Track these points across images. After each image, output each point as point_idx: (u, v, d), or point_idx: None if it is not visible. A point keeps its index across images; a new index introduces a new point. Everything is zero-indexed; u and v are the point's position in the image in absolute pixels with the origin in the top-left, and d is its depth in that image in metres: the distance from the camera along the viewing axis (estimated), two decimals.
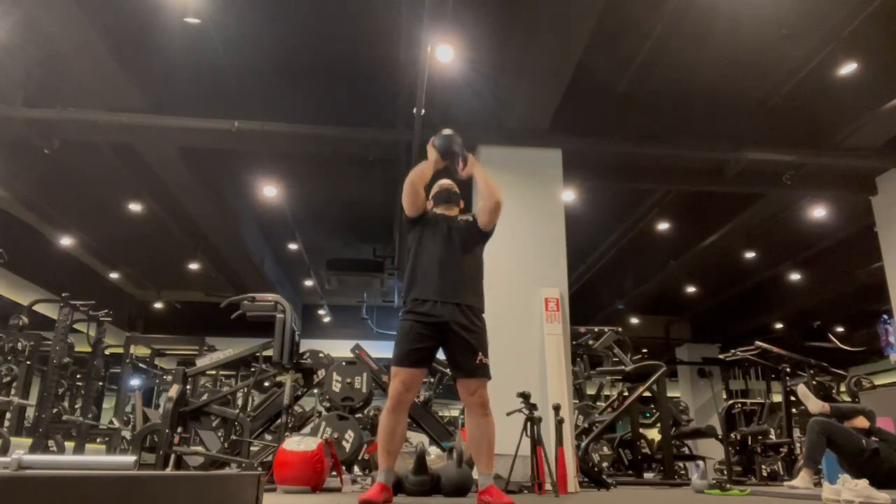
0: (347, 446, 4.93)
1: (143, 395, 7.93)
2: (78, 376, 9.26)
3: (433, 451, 4.30)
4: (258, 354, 5.48)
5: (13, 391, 6.79)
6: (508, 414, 4.15)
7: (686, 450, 8.24)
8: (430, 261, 3.01)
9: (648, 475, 7.36)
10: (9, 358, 7.06)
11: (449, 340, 2.90)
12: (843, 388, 8.30)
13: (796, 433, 7.24)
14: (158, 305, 13.52)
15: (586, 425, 7.19)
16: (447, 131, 3.32)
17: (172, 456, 4.60)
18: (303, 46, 6.01)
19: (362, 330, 12.96)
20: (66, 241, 9.83)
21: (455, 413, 14.04)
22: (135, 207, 8.93)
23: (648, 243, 9.76)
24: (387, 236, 9.65)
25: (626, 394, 7.41)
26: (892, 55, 5.76)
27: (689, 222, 9.09)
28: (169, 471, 4.30)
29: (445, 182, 3.37)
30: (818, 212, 8.37)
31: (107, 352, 9.89)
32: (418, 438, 5.35)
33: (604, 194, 8.22)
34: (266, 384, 7.78)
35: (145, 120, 6.09)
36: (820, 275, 11.05)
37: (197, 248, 9.89)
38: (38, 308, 8.22)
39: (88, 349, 8.14)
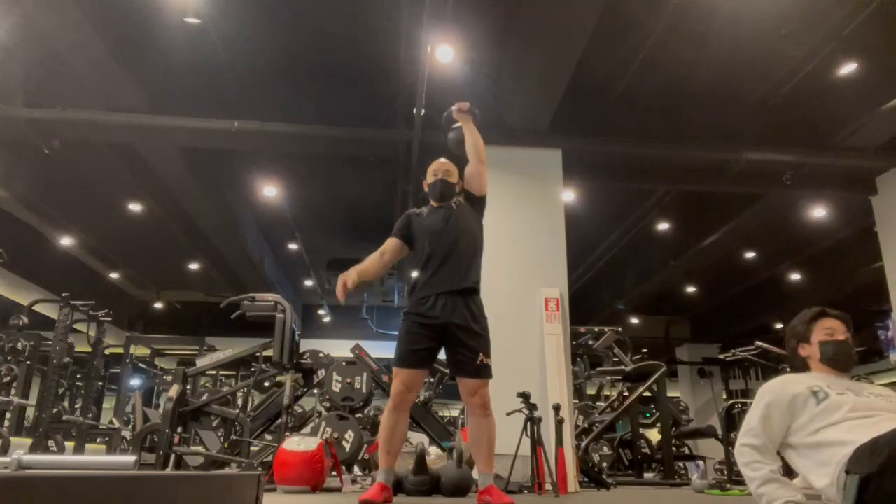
0: (347, 446, 4.93)
1: (143, 395, 7.93)
2: (78, 376, 9.27)
3: (433, 451, 4.30)
4: (258, 354, 5.48)
5: (13, 391, 6.79)
6: (508, 414, 4.15)
7: (686, 450, 8.24)
8: (428, 255, 3.00)
9: (648, 475, 7.36)
10: (9, 358, 7.07)
11: (449, 341, 2.89)
12: None
13: None
14: (158, 305, 13.52)
15: (586, 425, 7.19)
16: (453, 130, 3.24)
17: (172, 456, 4.60)
18: (303, 46, 6.01)
19: (362, 330, 12.95)
20: (66, 241, 9.83)
21: (455, 413, 14.03)
22: (135, 207, 8.93)
23: (648, 243, 9.76)
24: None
25: (626, 394, 7.41)
26: (892, 55, 5.76)
27: (689, 222, 9.09)
28: (169, 471, 4.30)
29: (441, 168, 3.19)
30: (818, 212, 8.37)
31: (107, 352, 9.90)
32: (418, 438, 5.35)
33: (604, 194, 8.22)
34: (266, 384, 7.78)
35: (145, 120, 6.09)
36: (820, 275, 11.05)
37: (197, 248, 9.89)
38: (38, 308, 8.23)
39: (88, 349, 8.16)
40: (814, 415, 1.94)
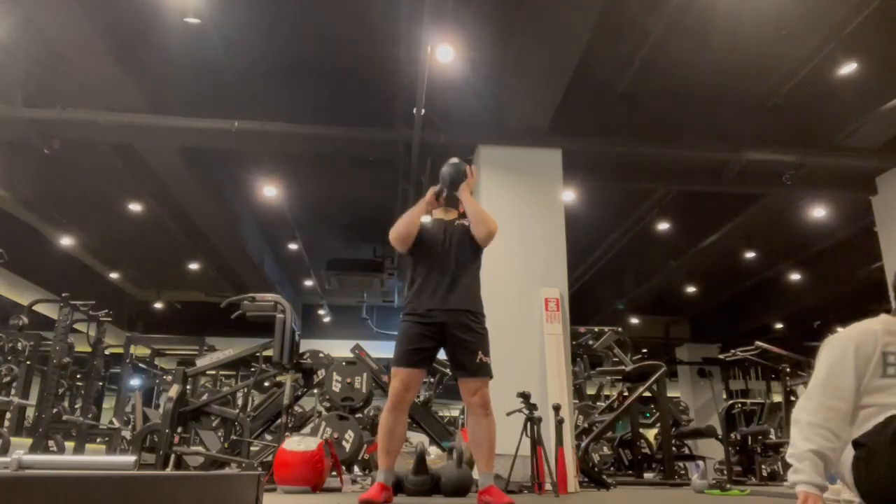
0: (347, 446, 4.93)
1: (143, 395, 7.93)
2: (78, 376, 9.26)
3: (433, 451, 4.30)
4: (258, 354, 5.48)
5: (13, 391, 6.79)
6: (508, 414, 4.15)
7: (686, 450, 8.24)
8: (428, 269, 3.03)
9: (648, 475, 7.36)
10: (9, 358, 7.06)
11: (448, 341, 2.91)
12: None
13: None
14: (158, 305, 13.52)
15: (586, 425, 7.19)
16: (455, 160, 3.22)
17: (172, 456, 4.60)
18: (303, 46, 6.01)
19: (362, 330, 12.95)
20: (66, 241, 9.83)
21: (455, 413, 14.03)
22: (135, 207, 8.93)
23: (648, 243, 9.76)
24: (387, 236, 9.62)
25: (626, 394, 7.40)
26: (892, 55, 5.76)
27: (689, 222, 9.09)
28: (169, 471, 4.30)
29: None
30: (818, 212, 8.37)
31: (107, 352, 9.90)
32: (418, 438, 5.35)
33: (604, 194, 8.22)
34: (266, 384, 7.78)
35: (145, 120, 6.08)
36: (820, 275, 11.05)
37: (197, 248, 9.89)
38: (38, 308, 8.22)
39: (88, 349, 8.15)
40: (878, 387, 1.71)
